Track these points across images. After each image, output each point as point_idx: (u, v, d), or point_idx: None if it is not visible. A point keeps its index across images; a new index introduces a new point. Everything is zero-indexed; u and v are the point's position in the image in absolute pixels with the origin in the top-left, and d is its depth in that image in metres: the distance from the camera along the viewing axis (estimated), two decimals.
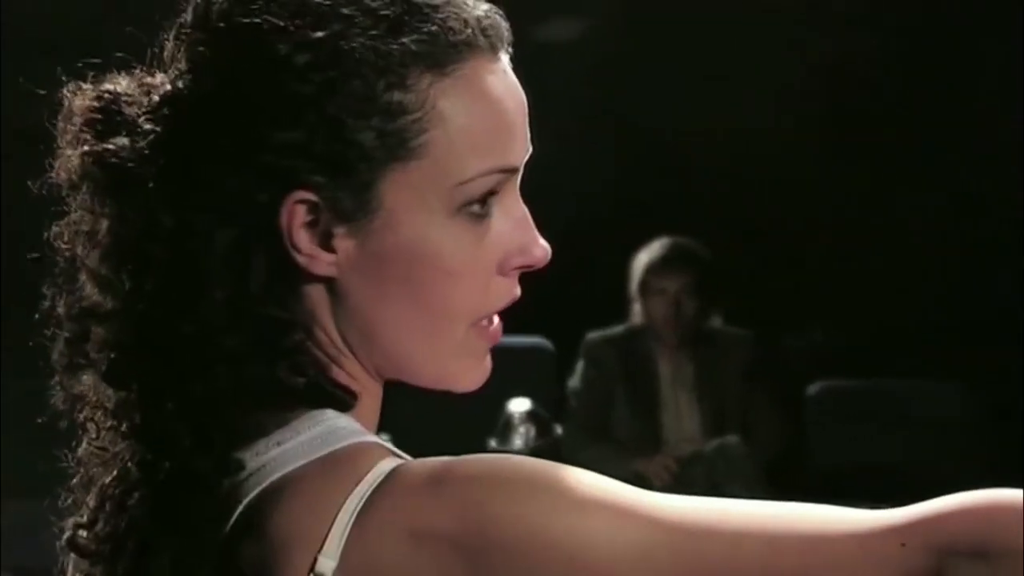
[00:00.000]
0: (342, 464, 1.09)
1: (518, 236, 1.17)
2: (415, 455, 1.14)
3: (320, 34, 1.09)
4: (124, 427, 1.15)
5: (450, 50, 1.11)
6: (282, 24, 1.10)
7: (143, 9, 1.20)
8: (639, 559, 1.03)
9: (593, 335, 5.33)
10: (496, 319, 1.20)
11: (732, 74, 5.99)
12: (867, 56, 5.98)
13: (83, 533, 1.17)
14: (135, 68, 1.18)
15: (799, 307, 6.32)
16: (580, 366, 5.33)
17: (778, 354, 5.91)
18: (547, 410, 4.83)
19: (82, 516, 1.19)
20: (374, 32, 1.10)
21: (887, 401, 5.64)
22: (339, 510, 1.05)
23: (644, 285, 5.21)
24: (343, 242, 1.12)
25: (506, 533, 1.03)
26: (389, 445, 1.13)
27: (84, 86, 1.17)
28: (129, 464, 1.14)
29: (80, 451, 1.20)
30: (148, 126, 1.14)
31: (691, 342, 5.22)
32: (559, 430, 4.85)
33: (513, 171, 1.15)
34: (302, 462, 1.10)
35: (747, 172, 6.10)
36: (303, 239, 1.12)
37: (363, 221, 1.12)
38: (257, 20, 1.10)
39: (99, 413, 1.18)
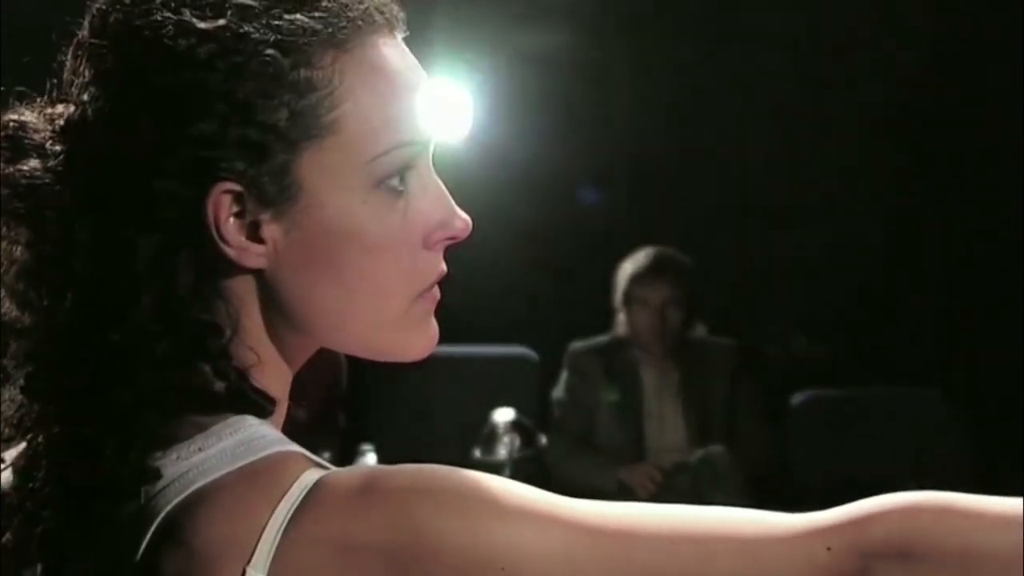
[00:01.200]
0: (266, 474, 1.09)
1: (438, 209, 1.19)
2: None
3: (220, 22, 1.10)
4: (40, 440, 1.14)
5: (349, 26, 1.13)
6: (181, 19, 1.10)
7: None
8: (569, 567, 1.05)
9: (577, 345, 5.32)
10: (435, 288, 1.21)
11: (727, 84, 5.99)
12: (880, 62, 5.99)
13: None
14: (35, 99, 1.18)
15: (783, 316, 6.33)
16: (564, 376, 5.32)
17: (762, 363, 5.91)
18: (531, 420, 4.82)
19: None
20: (273, 12, 1.11)
21: (871, 410, 5.64)
22: (267, 522, 1.06)
23: (628, 295, 5.20)
24: (270, 229, 1.13)
25: (437, 544, 1.04)
26: (308, 453, 1.13)
27: None
28: (40, 476, 1.13)
29: None
30: (57, 147, 1.15)
31: (675, 352, 5.21)
32: (543, 440, 4.85)
33: (425, 143, 1.17)
34: (224, 471, 1.09)
35: (733, 183, 6.11)
36: (231, 231, 1.13)
37: (286, 205, 1.13)
38: (156, 19, 1.11)
39: (3, 426, 1.17)
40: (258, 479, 1.09)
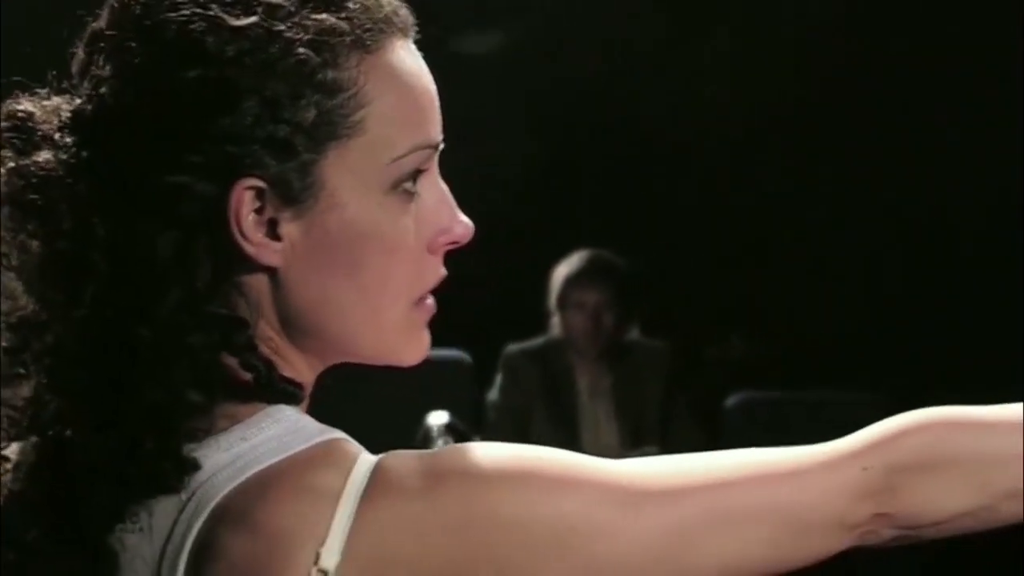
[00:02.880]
0: (325, 460, 1.11)
1: (444, 214, 1.20)
2: None
3: (252, 19, 1.11)
4: (65, 435, 1.13)
5: (373, 27, 1.14)
6: (211, 15, 1.11)
7: None
8: (635, 522, 1.11)
9: (512, 348, 5.33)
10: (429, 296, 1.22)
11: (665, 73, 6.00)
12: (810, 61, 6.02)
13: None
14: (33, 90, 1.17)
15: (717, 318, 6.35)
16: (499, 379, 5.33)
17: (696, 366, 5.93)
18: (465, 423, 4.81)
19: None
20: (303, 12, 1.12)
21: (805, 412, 5.66)
22: (337, 505, 1.07)
23: (563, 298, 5.21)
24: (289, 227, 1.14)
25: (507, 518, 1.08)
26: (351, 439, 1.15)
27: None
28: (70, 473, 1.12)
29: None
30: (69, 139, 1.14)
31: (610, 355, 5.23)
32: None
33: (436, 147, 1.19)
34: (279, 458, 1.11)
35: (669, 183, 6.12)
36: (252, 228, 1.13)
37: (308, 203, 1.14)
38: (184, 14, 1.11)
39: (12, 428, 1.16)
40: (318, 464, 1.10)
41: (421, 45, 1.20)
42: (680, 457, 1.17)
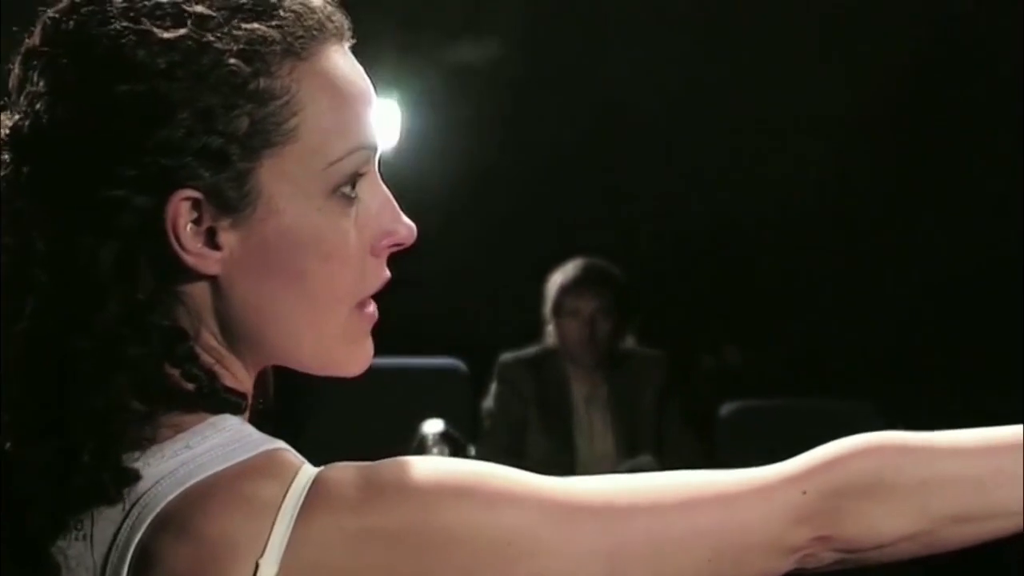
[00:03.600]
0: (266, 470, 1.12)
1: (386, 216, 1.21)
2: None
3: (182, 32, 1.12)
4: (8, 446, 1.14)
5: (305, 35, 1.15)
6: (142, 28, 1.11)
7: None
8: (569, 537, 1.11)
9: (507, 356, 5.32)
10: (372, 302, 1.23)
11: (667, 84, 6.01)
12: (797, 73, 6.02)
13: None
14: None
15: (713, 327, 6.35)
16: (494, 387, 5.32)
17: (691, 374, 5.93)
18: (461, 431, 4.81)
19: None
20: (234, 22, 1.13)
21: (800, 421, 5.66)
22: (276, 515, 1.08)
23: (558, 306, 5.21)
24: (227, 236, 1.15)
25: (446, 529, 1.09)
26: (292, 449, 1.16)
27: None
28: (13, 483, 1.13)
29: None
30: (8, 155, 1.15)
31: (605, 363, 5.22)
32: (473, 451, 4.83)
33: (374, 149, 1.19)
34: (221, 467, 1.12)
35: (664, 192, 6.13)
36: (189, 238, 1.14)
37: (246, 212, 1.14)
38: (115, 28, 1.12)
39: None
40: (259, 475, 1.11)
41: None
42: (625, 477, 1.17)
